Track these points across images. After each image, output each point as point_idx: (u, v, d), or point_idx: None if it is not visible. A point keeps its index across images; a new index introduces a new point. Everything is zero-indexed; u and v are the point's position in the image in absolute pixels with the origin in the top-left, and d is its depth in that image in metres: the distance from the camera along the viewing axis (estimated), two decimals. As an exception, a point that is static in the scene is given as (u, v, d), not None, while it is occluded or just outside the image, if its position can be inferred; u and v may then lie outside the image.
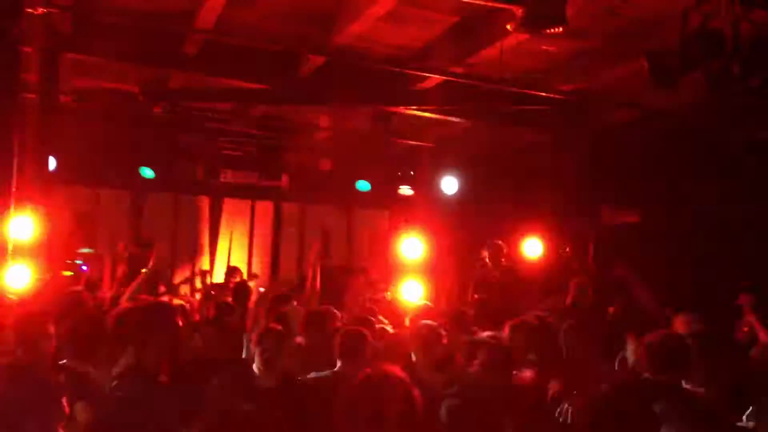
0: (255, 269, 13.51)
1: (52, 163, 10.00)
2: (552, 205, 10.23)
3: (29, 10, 5.98)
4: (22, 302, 6.04)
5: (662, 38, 5.79)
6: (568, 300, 7.30)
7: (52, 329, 4.77)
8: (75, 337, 4.46)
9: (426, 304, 8.00)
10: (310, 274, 8.22)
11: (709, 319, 6.07)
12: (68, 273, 10.22)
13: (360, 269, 11.59)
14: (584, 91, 8.15)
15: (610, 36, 6.98)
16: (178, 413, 3.82)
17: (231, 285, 10.20)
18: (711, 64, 5.36)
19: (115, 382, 4.06)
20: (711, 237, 8.36)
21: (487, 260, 8.98)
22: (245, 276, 11.55)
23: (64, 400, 2.82)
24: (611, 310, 7.04)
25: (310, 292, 8.16)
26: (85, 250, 10.47)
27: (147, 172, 12.24)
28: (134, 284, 6.45)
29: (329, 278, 10.58)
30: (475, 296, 8.27)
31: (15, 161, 5.58)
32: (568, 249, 10.17)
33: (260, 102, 9.25)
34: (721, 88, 5.35)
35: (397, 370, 2.40)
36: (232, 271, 11.61)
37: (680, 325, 6.00)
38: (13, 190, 5.98)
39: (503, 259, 9.03)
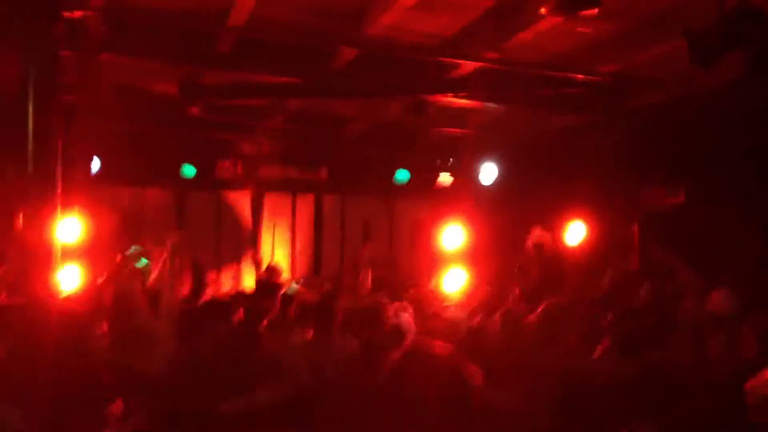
0: (299, 262, 13.63)
1: (96, 165, 10.21)
2: (594, 189, 10.12)
3: (66, 13, 6.08)
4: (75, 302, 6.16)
5: (701, 16, 5.67)
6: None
7: (105, 328, 4.88)
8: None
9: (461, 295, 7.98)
10: (362, 273, 8.31)
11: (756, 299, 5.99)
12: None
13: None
14: (622, 73, 8.04)
15: (646, 16, 6.87)
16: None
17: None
18: (751, 43, 5.25)
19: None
20: (755, 217, 8.20)
21: (533, 247, 8.89)
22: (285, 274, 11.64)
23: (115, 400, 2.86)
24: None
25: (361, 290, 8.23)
26: (134, 249, 10.60)
27: (189, 171, 12.37)
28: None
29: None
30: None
31: (59, 164, 5.66)
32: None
33: (295, 96, 9.27)
34: (762, 66, 5.25)
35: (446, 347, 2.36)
36: (272, 271, 11.69)
37: (717, 301, 5.96)
38: (60, 193, 6.07)
39: (548, 246, 8.94)
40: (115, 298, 6.40)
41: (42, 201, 5.24)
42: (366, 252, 8.68)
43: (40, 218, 5.23)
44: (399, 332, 5.80)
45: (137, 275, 10.14)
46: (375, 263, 11.49)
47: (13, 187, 5.43)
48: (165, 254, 6.41)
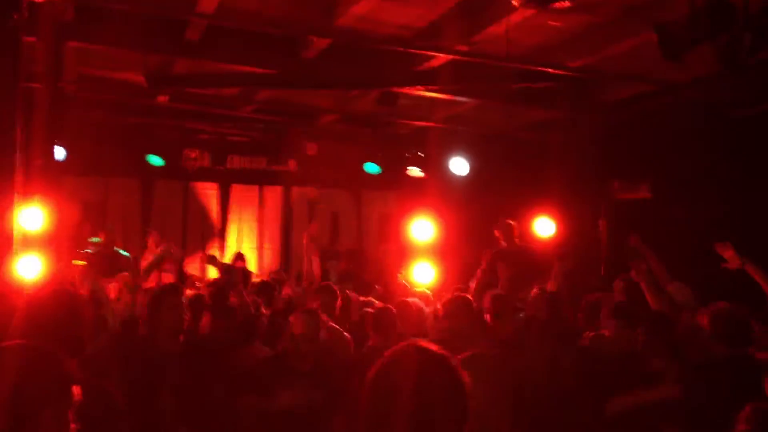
0: (266, 255, 13.54)
1: (60, 153, 10.02)
2: (563, 182, 10.15)
3: (28, -2, 5.92)
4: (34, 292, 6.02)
5: (671, 10, 5.68)
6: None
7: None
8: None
9: (424, 291, 7.95)
10: (305, 260, 8.24)
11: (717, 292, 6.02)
12: (79, 263, 10.22)
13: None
14: (593, 67, 8.04)
15: (617, 9, 6.85)
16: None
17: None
18: (721, 37, 5.26)
19: None
20: (721, 212, 8.27)
21: (501, 240, 8.91)
22: (250, 266, 11.58)
23: (74, 388, 2.79)
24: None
25: (309, 277, 8.17)
26: (96, 240, 10.46)
27: (155, 160, 12.22)
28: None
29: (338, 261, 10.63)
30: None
31: (19, 152, 5.53)
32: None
33: (265, 86, 9.19)
34: (731, 60, 5.26)
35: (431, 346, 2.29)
36: (236, 257, 11.59)
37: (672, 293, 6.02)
38: (19, 181, 5.94)
39: (516, 238, 8.97)
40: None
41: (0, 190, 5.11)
42: (311, 233, 8.50)
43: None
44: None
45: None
46: (343, 255, 11.50)
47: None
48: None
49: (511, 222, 8.88)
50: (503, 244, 8.64)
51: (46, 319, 3.63)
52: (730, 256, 5.79)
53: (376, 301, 7.33)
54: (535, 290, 6.76)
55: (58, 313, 3.66)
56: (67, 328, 3.64)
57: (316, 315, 5.08)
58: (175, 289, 5.09)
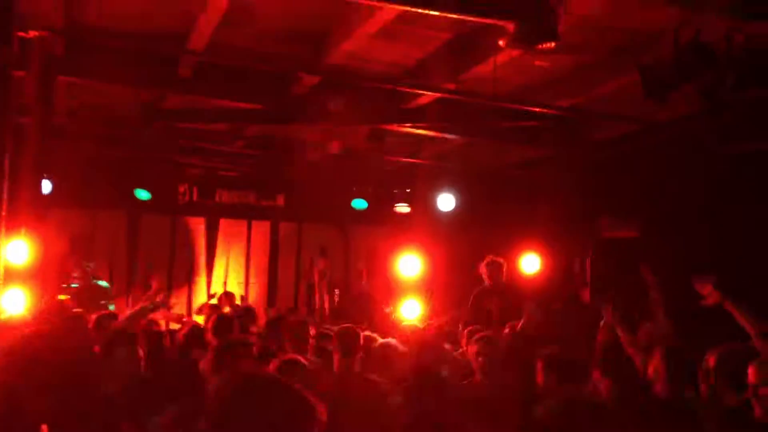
0: (252, 289, 13.51)
1: (47, 187, 10.02)
2: (550, 219, 10.22)
3: (21, 33, 5.97)
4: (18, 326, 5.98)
5: (656, 51, 5.78)
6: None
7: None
8: None
9: (413, 325, 7.95)
10: (317, 294, 8.25)
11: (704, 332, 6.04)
12: (64, 297, 10.17)
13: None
14: (580, 106, 8.14)
15: (604, 50, 6.97)
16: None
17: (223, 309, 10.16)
18: (704, 77, 5.35)
19: None
20: (709, 249, 8.32)
21: (486, 278, 8.90)
22: (238, 301, 11.54)
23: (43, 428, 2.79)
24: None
25: (320, 311, 8.19)
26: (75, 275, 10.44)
27: (143, 194, 12.23)
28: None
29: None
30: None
31: (6, 185, 5.53)
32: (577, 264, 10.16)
33: (254, 122, 9.24)
34: (715, 100, 5.35)
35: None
36: (226, 297, 11.55)
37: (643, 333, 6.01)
38: (5, 214, 5.93)
39: (503, 276, 8.96)
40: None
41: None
42: (320, 269, 8.56)
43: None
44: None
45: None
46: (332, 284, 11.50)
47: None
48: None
49: (498, 260, 8.89)
50: (488, 282, 8.62)
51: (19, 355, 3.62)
52: (708, 291, 5.77)
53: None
54: (506, 329, 6.82)
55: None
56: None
57: None
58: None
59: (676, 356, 4.75)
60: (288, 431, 2.25)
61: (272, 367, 4.71)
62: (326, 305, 8.41)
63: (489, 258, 8.87)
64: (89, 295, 9.92)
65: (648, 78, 5.82)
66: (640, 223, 9.72)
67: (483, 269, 8.78)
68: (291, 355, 5.21)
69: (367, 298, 11.32)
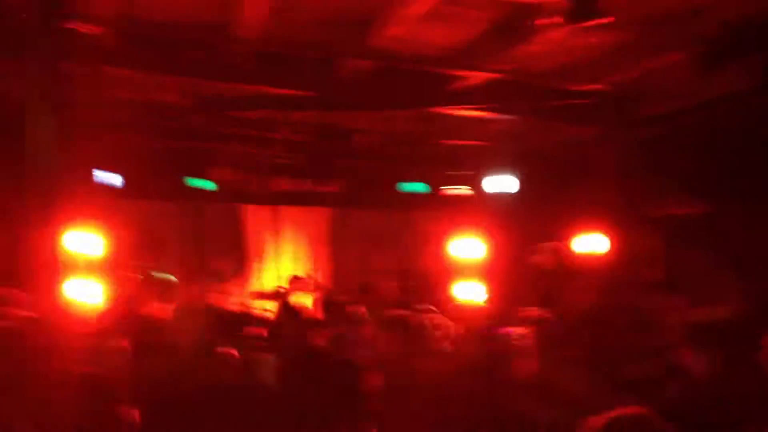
0: (318, 276, 13.65)
1: (117, 180, 10.31)
2: (614, 198, 10.01)
3: (68, 25, 6.10)
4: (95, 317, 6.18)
5: (707, 27, 5.62)
6: None
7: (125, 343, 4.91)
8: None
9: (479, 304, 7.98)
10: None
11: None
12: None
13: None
14: (631, 82, 7.96)
15: (653, 25, 6.77)
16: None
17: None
18: (754, 55, 5.19)
19: None
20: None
21: (545, 263, 8.80)
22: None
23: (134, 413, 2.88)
24: None
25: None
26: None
27: (205, 184, 12.44)
28: None
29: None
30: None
31: (60, 178, 5.69)
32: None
33: (304, 109, 9.28)
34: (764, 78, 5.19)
35: None
36: (296, 280, 11.74)
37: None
38: (66, 206, 6.11)
39: (565, 261, 8.85)
40: (141, 315, 6.49)
41: (42, 215, 5.26)
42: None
43: (41, 233, 5.25)
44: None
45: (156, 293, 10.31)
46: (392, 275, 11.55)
47: (15, 201, 5.47)
48: None
49: (558, 245, 8.81)
50: (547, 266, 8.55)
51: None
52: None
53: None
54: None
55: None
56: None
57: None
58: None
59: None
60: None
61: None
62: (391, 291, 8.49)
63: (549, 243, 8.82)
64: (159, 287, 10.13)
65: (702, 52, 5.68)
66: (707, 199, 9.46)
67: (543, 255, 8.72)
68: None
69: (429, 281, 11.34)
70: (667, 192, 9.97)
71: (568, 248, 9.11)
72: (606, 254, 9.69)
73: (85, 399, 3.80)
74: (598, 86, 7.95)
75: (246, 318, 6.92)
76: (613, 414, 2.83)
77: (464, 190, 12.67)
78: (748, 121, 7.90)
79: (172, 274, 10.95)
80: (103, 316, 6.41)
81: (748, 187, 8.52)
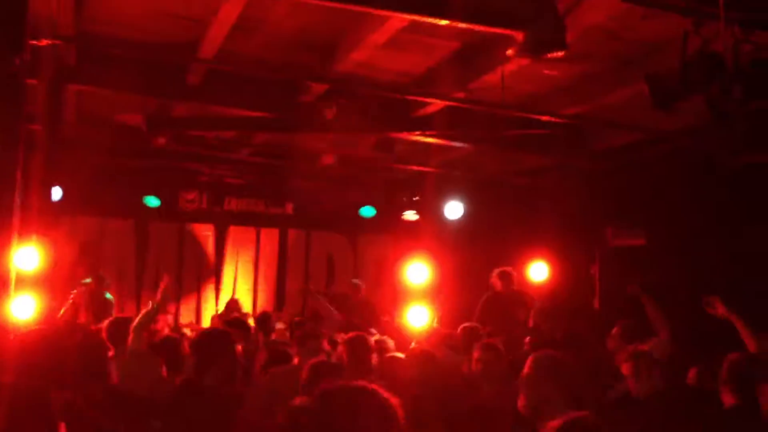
0: (261, 296, 13.54)
1: (57, 194, 10.09)
2: (557, 228, 10.23)
3: (33, 41, 6.00)
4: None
5: (663, 61, 5.78)
6: None
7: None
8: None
9: (434, 327, 8.03)
10: (311, 304, 8.36)
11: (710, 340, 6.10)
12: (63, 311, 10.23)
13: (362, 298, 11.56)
14: (587, 115, 8.15)
15: (611, 59, 6.98)
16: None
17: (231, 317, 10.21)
18: (711, 87, 5.35)
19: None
20: (714, 260, 8.32)
21: (496, 286, 8.99)
22: (245, 308, 11.61)
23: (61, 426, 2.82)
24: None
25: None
26: (89, 281, 10.48)
27: (152, 202, 12.30)
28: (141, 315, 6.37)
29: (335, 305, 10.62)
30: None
31: (18, 192, 5.56)
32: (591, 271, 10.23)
33: (263, 130, 9.27)
34: (722, 110, 5.35)
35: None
36: (233, 304, 11.60)
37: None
38: (17, 221, 5.96)
39: (513, 285, 9.04)
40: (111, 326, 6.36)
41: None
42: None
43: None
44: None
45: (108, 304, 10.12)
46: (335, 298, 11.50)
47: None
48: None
49: (507, 269, 8.99)
50: (499, 289, 8.75)
51: (37, 357, 3.66)
52: (715, 305, 5.93)
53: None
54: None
55: (49, 350, 3.68)
56: (56, 364, 3.66)
57: None
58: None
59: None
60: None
61: None
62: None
63: (499, 268, 8.98)
64: (100, 307, 9.95)
65: (655, 88, 5.81)
66: (646, 231, 9.73)
67: (494, 279, 8.89)
68: None
69: (366, 306, 11.31)
70: (610, 223, 10.23)
71: (517, 274, 9.29)
72: (547, 282, 9.94)
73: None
74: (556, 118, 8.11)
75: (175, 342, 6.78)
76: (567, 418, 2.96)
77: (413, 215, 12.78)
78: (696, 156, 8.16)
79: (110, 291, 10.81)
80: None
81: (680, 220, 8.80)
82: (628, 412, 4.99)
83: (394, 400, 2.44)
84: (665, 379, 5.19)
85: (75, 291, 10.09)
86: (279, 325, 9.55)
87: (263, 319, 8.96)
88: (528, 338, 7.04)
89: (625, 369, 5.21)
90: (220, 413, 4.12)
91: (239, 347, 6.31)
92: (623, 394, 5.29)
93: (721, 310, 5.91)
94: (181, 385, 4.72)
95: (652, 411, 4.86)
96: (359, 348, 5.92)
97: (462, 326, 7.56)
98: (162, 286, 6.43)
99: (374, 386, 2.48)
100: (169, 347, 5.76)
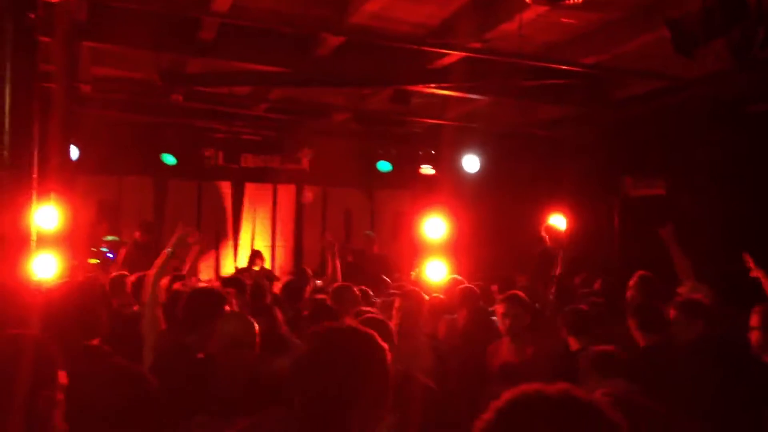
0: (279, 252, 13.59)
1: (74, 153, 10.10)
2: (575, 179, 10.16)
3: (41, -2, 5.96)
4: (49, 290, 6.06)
5: (684, 6, 5.66)
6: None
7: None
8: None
9: (456, 277, 8.02)
10: (329, 260, 8.33)
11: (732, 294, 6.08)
12: (94, 261, 10.31)
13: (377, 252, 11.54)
14: (606, 63, 8.02)
15: (630, 6, 6.84)
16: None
17: (253, 269, 10.26)
18: (733, 31, 5.24)
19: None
20: (735, 210, 8.24)
21: (547, 240, 8.74)
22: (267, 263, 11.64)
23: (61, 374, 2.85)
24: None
25: (331, 276, 8.27)
26: (110, 238, 10.54)
27: (169, 159, 12.30)
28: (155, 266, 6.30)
29: (352, 260, 10.65)
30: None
31: (36, 151, 5.56)
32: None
33: (278, 85, 9.21)
34: (744, 55, 5.24)
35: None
36: (255, 255, 11.63)
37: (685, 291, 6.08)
38: (36, 179, 5.98)
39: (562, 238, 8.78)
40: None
41: (18, 188, 5.14)
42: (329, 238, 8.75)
43: (16, 205, 5.12)
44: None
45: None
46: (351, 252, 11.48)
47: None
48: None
49: (555, 222, 8.87)
50: (548, 243, 8.57)
51: (65, 312, 3.67)
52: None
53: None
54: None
55: (79, 304, 3.68)
56: (86, 319, 3.67)
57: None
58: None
59: None
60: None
61: None
62: (338, 269, 8.43)
63: (547, 221, 8.88)
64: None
65: (677, 33, 5.71)
66: (666, 180, 9.65)
67: (543, 231, 8.72)
68: None
69: (380, 260, 11.29)
70: (629, 173, 10.15)
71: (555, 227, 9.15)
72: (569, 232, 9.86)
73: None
74: (574, 67, 8.00)
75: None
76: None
77: (430, 169, 12.72)
78: (716, 103, 8.05)
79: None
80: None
81: (699, 169, 8.71)
82: (670, 358, 5.00)
83: (384, 344, 2.49)
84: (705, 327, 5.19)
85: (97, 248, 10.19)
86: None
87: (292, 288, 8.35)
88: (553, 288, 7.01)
89: (671, 315, 5.21)
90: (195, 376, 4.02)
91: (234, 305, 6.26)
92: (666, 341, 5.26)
93: (751, 264, 5.93)
94: (166, 343, 4.70)
95: (695, 357, 4.87)
96: (345, 295, 5.98)
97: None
98: (177, 233, 6.34)
99: (363, 328, 2.54)
100: (169, 302, 5.65)
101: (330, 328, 2.56)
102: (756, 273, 5.90)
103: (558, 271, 7.69)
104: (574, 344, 5.48)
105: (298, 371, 2.41)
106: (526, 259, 9.00)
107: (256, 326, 4.07)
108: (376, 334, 2.46)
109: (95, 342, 3.61)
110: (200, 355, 4.24)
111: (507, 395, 1.54)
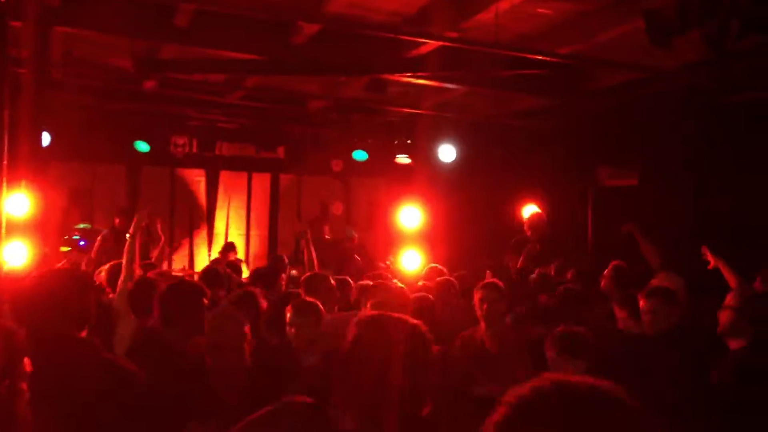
0: (253, 241, 13.54)
1: (46, 139, 9.98)
2: (550, 169, 10.20)
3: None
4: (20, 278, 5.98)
5: (660, -1, 5.69)
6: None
7: None
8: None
9: (435, 266, 8.03)
10: (304, 249, 8.31)
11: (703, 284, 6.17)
12: (66, 248, 10.22)
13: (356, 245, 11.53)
14: (582, 54, 8.04)
15: (607, -3, 6.87)
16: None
17: (227, 261, 10.19)
18: (709, 22, 5.28)
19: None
20: (708, 201, 8.33)
21: (527, 229, 8.70)
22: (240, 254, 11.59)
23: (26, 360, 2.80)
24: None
25: (308, 265, 8.25)
26: (82, 226, 10.45)
27: (142, 146, 12.20)
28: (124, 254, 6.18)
29: (325, 250, 10.61)
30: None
31: (6, 138, 5.49)
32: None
33: (253, 73, 9.13)
34: (719, 46, 5.28)
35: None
36: (228, 247, 11.59)
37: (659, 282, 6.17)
38: (5, 167, 5.90)
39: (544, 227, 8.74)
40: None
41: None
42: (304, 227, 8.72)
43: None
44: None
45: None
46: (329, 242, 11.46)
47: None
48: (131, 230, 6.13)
49: (539, 212, 8.85)
50: (528, 232, 8.55)
51: (48, 301, 3.59)
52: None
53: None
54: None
55: (64, 294, 3.61)
56: (73, 308, 3.59)
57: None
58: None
59: None
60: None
61: None
62: (314, 258, 8.40)
63: (529, 211, 8.87)
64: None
65: (652, 24, 5.74)
66: (640, 171, 9.72)
67: (526, 224, 8.68)
68: None
69: (360, 251, 11.29)
70: (603, 164, 10.21)
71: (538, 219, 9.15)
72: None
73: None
74: (550, 58, 8.00)
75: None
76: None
77: (405, 158, 12.72)
78: (691, 94, 8.10)
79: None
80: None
81: (673, 160, 8.79)
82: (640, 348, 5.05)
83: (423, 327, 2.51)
84: (680, 317, 5.24)
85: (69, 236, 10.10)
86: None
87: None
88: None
89: (644, 305, 5.25)
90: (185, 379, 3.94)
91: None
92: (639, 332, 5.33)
93: (708, 257, 6.08)
94: (144, 336, 4.63)
95: (666, 347, 4.92)
96: (320, 284, 5.98)
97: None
98: (134, 220, 6.25)
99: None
100: (137, 290, 5.51)
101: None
102: (715, 264, 6.06)
103: (520, 264, 7.73)
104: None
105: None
106: (501, 248, 9.02)
107: (247, 327, 3.91)
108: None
109: (84, 334, 3.52)
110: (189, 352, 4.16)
111: (520, 390, 1.44)
